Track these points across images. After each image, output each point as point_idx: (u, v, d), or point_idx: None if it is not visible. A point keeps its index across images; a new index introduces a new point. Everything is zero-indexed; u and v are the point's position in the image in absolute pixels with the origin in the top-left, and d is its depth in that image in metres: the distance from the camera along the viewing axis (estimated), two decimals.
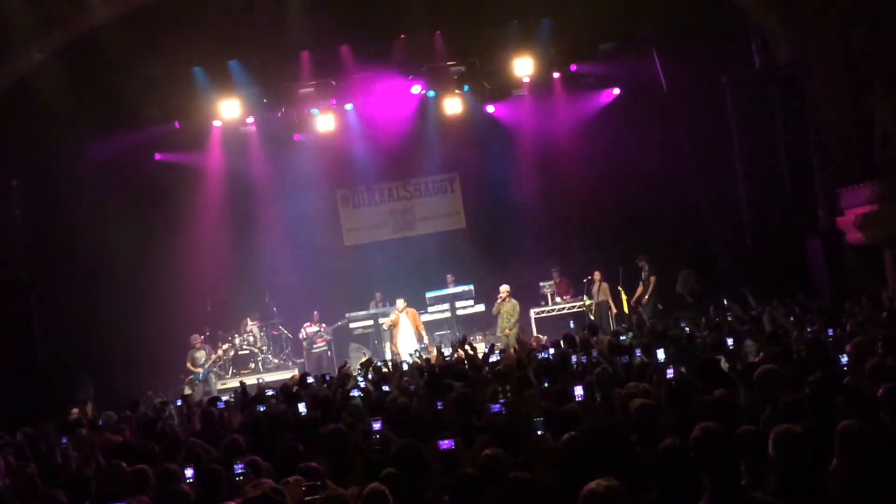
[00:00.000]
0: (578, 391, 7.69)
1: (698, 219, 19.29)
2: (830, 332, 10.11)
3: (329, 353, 19.03)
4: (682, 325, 13.08)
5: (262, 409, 10.35)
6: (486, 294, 18.74)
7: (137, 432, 10.50)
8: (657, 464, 4.85)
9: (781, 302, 14.00)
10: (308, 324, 19.15)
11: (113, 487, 6.98)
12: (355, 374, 12.83)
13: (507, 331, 17.63)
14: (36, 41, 16.21)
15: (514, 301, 17.94)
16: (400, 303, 18.19)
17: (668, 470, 4.74)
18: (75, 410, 14.03)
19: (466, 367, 11.67)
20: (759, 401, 6.30)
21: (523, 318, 18.82)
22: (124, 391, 15.89)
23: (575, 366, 10.19)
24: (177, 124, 19.04)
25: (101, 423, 11.71)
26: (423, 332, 18.26)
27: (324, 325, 19.09)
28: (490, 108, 20.32)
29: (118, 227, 17.92)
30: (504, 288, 18.11)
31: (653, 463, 4.89)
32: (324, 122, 19.50)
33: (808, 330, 10.57)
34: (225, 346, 18.50)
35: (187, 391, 16.66)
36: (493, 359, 12.21)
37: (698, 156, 18.96)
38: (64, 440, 10.88)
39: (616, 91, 20.01)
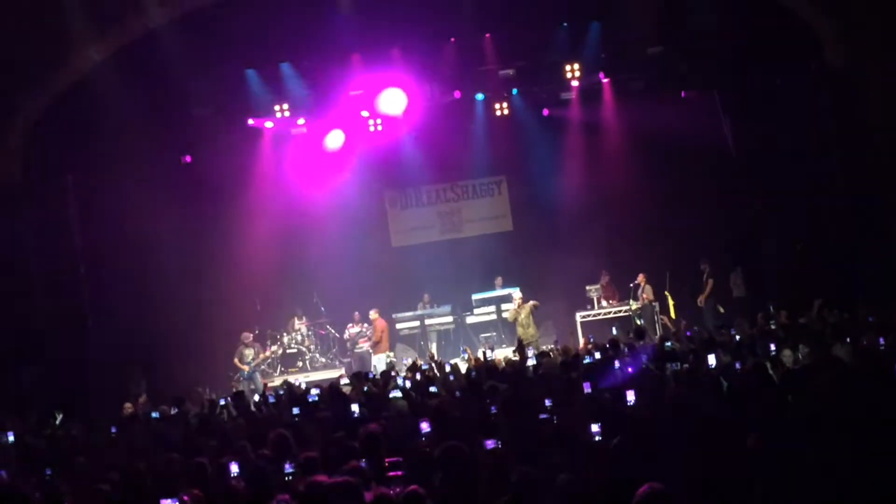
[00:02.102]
0: (630, 396, 7.70)
1: (750, 223, 19.11)
2: (882, 340, 9.97)
3: (372, 353, 19.14)
4: (732, 331, 12.99)
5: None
6: (532, 297, 18.70)
7: (190, 428, 10.67)
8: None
9: (830, 309, 13.82)
10: (350, 324, 19.32)
11: (166, 481, 7.14)
12: (401, 374, 12.96)
13: (532, 335, 17.45)
14: (93, 43, 16.55)
15: (529, 304, 17.89)
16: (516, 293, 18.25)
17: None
18: (128, 405, 14.29)
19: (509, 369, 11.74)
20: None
21: (569, 321, 18.80)
22: (175, 387, 16.14)
23: (619, 370, 10.17)
24: (229, 125, 19.28)
25: (154, 416, 11.93)
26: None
27: (365, 324, 19.23)
28: (538, 112, 20.31)
29: (171, 225, 18.21)
30: (518, 294, 18.09)
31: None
32: (390, 103, 19.57)
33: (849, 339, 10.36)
34: (274, 347, 18.74)
35: (236, 388, 16.89)
36: (531, 363, 12.23)
37: (749, 159, 18.80)
38: (114, 429, 11.17)
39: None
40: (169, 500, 5.90)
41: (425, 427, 7.71)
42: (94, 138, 17.03)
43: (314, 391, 12.44)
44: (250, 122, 19.38)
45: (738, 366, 9.28)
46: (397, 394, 10.42)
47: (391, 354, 18.26)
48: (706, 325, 17.14)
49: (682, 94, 19.31)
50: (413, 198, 21.86)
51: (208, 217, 19.19)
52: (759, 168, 18.69)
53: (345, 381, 12.64)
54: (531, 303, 17.89)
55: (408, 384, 11.40)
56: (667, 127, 19.01)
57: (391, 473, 6.77)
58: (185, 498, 6.14)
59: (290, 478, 6.35)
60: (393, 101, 19.34)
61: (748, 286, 18.80)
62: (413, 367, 13.60)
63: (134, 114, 16.80)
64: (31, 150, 16.93)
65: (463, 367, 13.42)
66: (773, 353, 9.61)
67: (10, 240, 16.39)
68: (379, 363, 17.46)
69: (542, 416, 6.71)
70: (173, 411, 12.24)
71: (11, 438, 10.33)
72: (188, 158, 19.48)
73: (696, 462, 5.11)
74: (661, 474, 4.42)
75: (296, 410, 10.66)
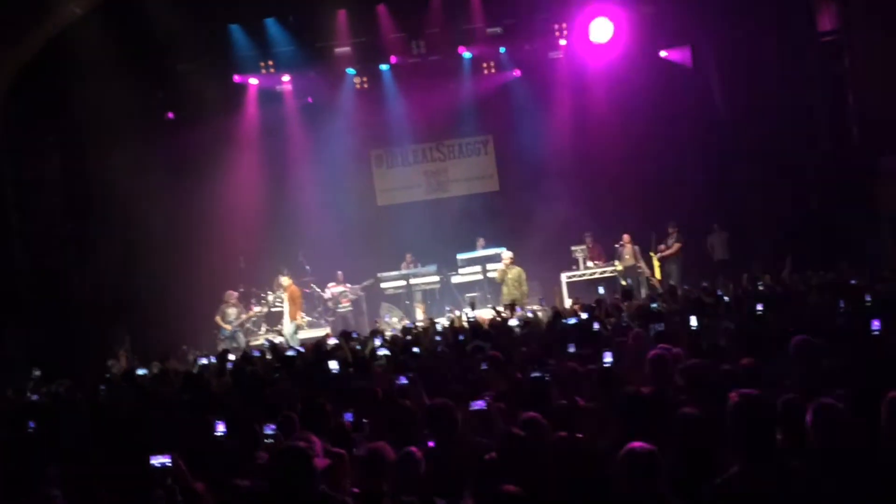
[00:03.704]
0: (607, 357, 7.70)
1: (734, 185, 19.14)
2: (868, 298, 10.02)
3: (352, 312, 19.13)
4: (719, 292, 13.05)
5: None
6: (517, 257, 18.65)
7: (174, 386, 10.67)
8: (681, 430, 4.90)
9: (816, 272, 13.91)
10: (332, 283, 19.28)
11: (154, 439, 7.13)
12: (387, 332, 12.99)
13: (521, 299, 17.36)
14: None
15: (518, 268, 17.84)
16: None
17: (692, 436, 4.79)
18: (112, 361, 14.27)
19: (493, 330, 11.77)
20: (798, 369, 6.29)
21: (554, 282, 18.84)
22: (159, 345, 16.13)
23: (600, 331, 10.19)
24: (214, 81, 19.09)
25: (140, 373, 11.91)
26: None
27: (348, 284, 19.21)
28: (525, 71, 20.22)
29: (154, 182, 18.07)
30: (507, 254, 18.01)
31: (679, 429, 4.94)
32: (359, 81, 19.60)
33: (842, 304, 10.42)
34: (258, 308, 18.70)
35: (221, 347, 16.88)
36: (514, 323, 12.26)
37: (736, 121, 18.79)
38: (102, 388, 11.16)
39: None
40: (159, 457, 5.87)
41: (402, 380, 7.74)
42: (77, 95, 16.81)
43: (299, 348, 12.48)
44: (235, 78, 19.19)
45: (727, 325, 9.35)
46: (383, 352, 10.44)
47: (303, 319, 18.10)
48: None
49: (662, 52, 19.26)
50: (399, 157, 21.78)
51: (192, 175, 19.03)
52: (746, 129, 18.68)
53: (332, 340, 12.62)
54: (519, 269, 17.82)
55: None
56: (654, 85, 19.02)
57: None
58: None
59: (271, 440, 6.32)
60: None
61: (731, 249, 18.84)
62: (405, 331, 13.62)
63: (117, 69, 16.60)
64: (10, 107, 16.67)
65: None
66: (760, 313, 9.65)
67: None
68: (289, 330, 17.42)
69: (534, 374, 6.70)
70: (157, 369, 12.24)
71: None
72: (171, 115, 19.31)
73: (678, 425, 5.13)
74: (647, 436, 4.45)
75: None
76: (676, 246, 18.76)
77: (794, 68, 17.99)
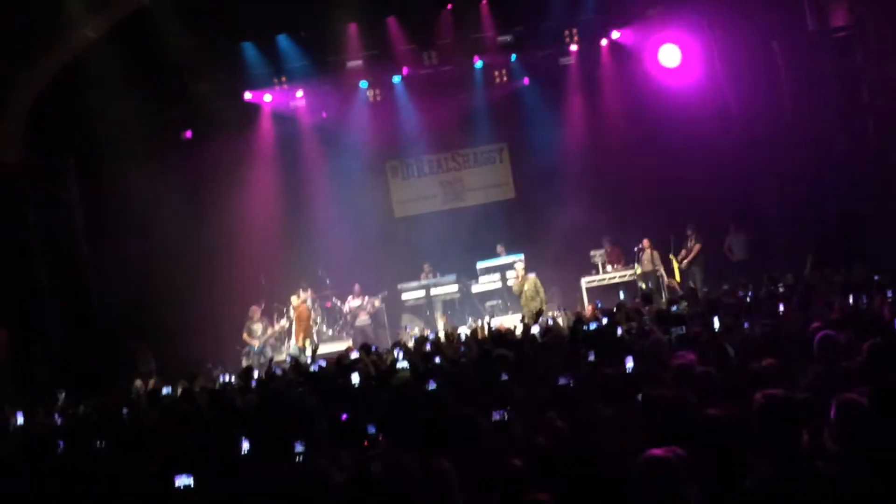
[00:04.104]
0: (629, 363, 7.67)
1: (751, 186, 19.04)
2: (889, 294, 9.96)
3: (371, 325, 19.17)
4: (740, 293, 12.99)
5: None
6: (536, 264, 18.67)
7: (200, 405, 10.70)
8: (706, 433, 4.87)
9: (836, 270, 13.81)
10: (350, 297, 19.34)
11: (179, 458, 7.16)
12: (409, 343, 13.00)
13: (539, 306, 17.32)
14: (88, 21, 16.46)
15: (531, 276, 17.81)
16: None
17: (718, 439, 4.77)
18: (139, 383, 14.34)
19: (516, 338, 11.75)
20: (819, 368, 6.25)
21: (574, 287, 18.82)
22: (183, 363, 16.22)
23: (622, 336, 10.16)
24: (228, 99, 19.23)
25: (165, 392, 11.97)
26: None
27: (366, 297, 19.26)
28: (537, 78, 20.27)
29: (173, 201, 18.20)
30: (520, 265, 18.03)
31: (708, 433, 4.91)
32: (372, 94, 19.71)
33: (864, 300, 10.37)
34: (282, 322, 18.77)
35: (245, 363, 16.95)
36: (535, 331, 12.24)
37: (750, 122, 18.70)
38: (125, 410, 11.20)
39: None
40: (183, 477, 5.90)
41: (432, 384, 7.75)
42: (94, 116, 16.94)
43: (320, 363, 12.49)
44: (248, 95, 19.32)
45: (745, 326, 9.31)
46: (403, 365, 10.46)
47: (308, 342, 18.10)
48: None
49: (679, 52, 19.26)
50: (415, 168, 21.84)
51: (210, 193, 19.17)
52: (760, 129, 18.59)
53: (354, 354, 12.64)
54: (532, 275, 17.82)
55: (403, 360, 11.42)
56: (666, 86, 19.02)
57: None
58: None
59: (301, 457, 6.33)
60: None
61: (750, 249, 18.74)
62: (422, 340, 13.62)
63: (132, 90, 16.74)
64: (30, 130, 16.85)
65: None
66: (782, 313, 9.60)
67: (12, 220, 16.36)
68: (294, 351, 17.45)
69: (562, 380, 6.69)
70: (186, 388, 12.29)
71: (21, 420, 10.37)
72: (188, 134, 19.45)
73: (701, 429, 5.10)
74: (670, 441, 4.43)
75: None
76: (697, 247, 18.70)
77: (806, 66, 17.89)
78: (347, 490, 4.98)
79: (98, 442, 8.79)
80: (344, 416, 6.94)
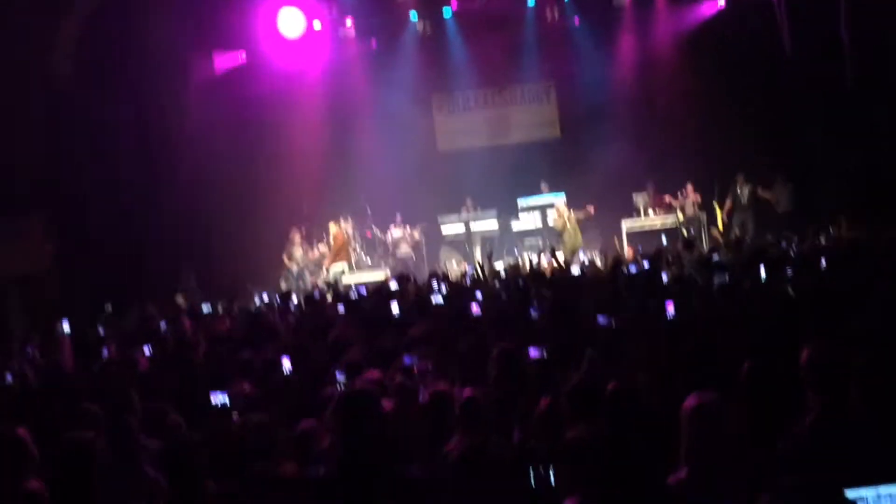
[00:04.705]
0: (670, 308, 7.64)
1: (799, 134, 18.69)
2: None
3: (413, 257, 19.25)
4: (783, 244, 12.85)
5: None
6: (577, 204, 18.55)
7: (241, 323, 10.88)
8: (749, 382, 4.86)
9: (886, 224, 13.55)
10: (392, 226, 19.40)
11: (218, 375, 7.30)
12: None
13: (578, 246, 17.36)
14: None
15: (573, 214, 17.85)
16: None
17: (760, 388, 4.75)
18: (181, 299, 14.58)
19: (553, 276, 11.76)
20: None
21: (614, 230, 18.72)
22: (223, 283, 16.46)
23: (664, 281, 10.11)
24: (277, 27, 19.18)
25: (205, 311, 12.17)
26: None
27: (408, 227, 19.31)
28: (588, 18, 20.00)
29: (223, 126, 18.29)
30: (561, 202, 17.99)
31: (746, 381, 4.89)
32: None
33: None
34: (321, 247, 18.91)
35: (284, 286, 17.14)
36: (575, 270, 12.23)
37: (805, 66, 18.27)
38: (163, 324, 11.43)
39: (721, 3, 19.46)
40: (219, 394, 6.01)
41: (476, 309, 7.81)
42: (146, 38, 16.97)
43: (361, 290, 12.61)
44: (298, 21, 19.26)
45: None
46: (438, 298, 10.52)
47: (344, 267, 18.27)
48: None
49: None
50: (461, 102, 21.67)
51: (259, 118, 19.20)
52: (814, 72, 18.17)
53: (393, 284, 12.73)
54: (587, 210, 17.80)
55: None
56: (720, 29, 18.62)
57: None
58: (243, 389, 6.27)
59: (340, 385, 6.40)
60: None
61: (797, 200, 18.44)
62: (459, 273, 13.69)
63: (186, 10, 16.73)
64: (82, 53, 16.89)
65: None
66: (825, 267, 9.49)
67: (64, 138, 16.52)
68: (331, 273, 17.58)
69: (601, 320, 6.69)
70: (228, 306, 12.49)
71: (67, 328, 10.58)
72: (243, 56, 19.43)
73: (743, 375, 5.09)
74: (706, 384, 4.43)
75: (341, 308, 10.83)
76: (748, 193, 18.37)
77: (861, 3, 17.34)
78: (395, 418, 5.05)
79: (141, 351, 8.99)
80: (408, 360, 6.97)
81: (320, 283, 17.11)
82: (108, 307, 13.33)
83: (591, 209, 17.80)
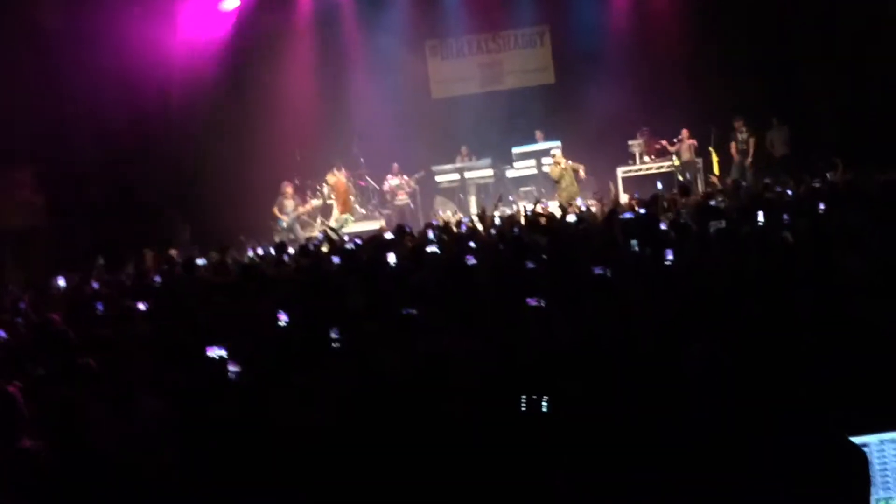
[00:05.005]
0: (669, 255, 7.60)
1: (796, 75, 18.53)
2: None
3: (411, 205, 19.18)
4: (778, 188, 12.79)
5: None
6: (572, 151, 18.43)
7: (234, 275, 10.82)
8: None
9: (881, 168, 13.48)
10: (389, 176, 19.28)
11: (213, 329, 7.25)
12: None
13: (575, 193, 17.29)
14: None
15: (570, 163, 17.70)
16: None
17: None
18: (174, 252, 14.51)
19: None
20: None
21: (609, 176, 18.63)
22: (216, 234, 16.39)
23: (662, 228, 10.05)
24: None
25: (200, 263, 12.11)
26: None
27: (405, 176, 19.20)
28: None
29: (214, 75, 18.07)
30: (557, 151, 17.89)
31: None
32: None
33: None
34: (314, 201, 18.81)
35: (277, 237, 17.07)
36: (570, 219, 12.16)
37: (802, 13, 18.07)
38: (157, 278, 11.37)
39: None
40: (215, 349, 5.95)
41: (470, 259, 7.77)
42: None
43: (356, 240, 12.55)
44: None
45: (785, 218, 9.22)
46: (433, 249, 10.46)
47: (350, 217, 18.23)
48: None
49: None
50: (454, 47, 21.42)
51: (250, 67, 19.00)
52: (808, 16, 17.96)
53: (388, 234, 12.64)
54: (581, 166, 17.68)
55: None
56: None
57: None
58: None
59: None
60: None
61: (793, 144, 18.34)
62: (455, 222, 13.62)
63: None
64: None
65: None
66: (822, 211, 9.45)
67: (53, 91, 16.31)
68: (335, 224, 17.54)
69: (597, 270, 6.65)
70: (216, 259, 12.42)
71: (62, 283, 10.55)
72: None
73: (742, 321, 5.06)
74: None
75: (336, 260, 10.78)
76: (753, 142, 18.26)
77: None
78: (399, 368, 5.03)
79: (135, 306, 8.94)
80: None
81: (315, 234, 17.04)
82: (101, 260, 13.25)
83: (581, 172, 17.63)
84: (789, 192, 12.28)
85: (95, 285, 11.46)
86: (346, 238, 13.72)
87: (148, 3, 17.07)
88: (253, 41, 19.04)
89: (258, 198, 18.38)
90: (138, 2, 16.95)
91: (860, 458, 2.31)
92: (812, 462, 2.22)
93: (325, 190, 19.05)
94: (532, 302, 6.33)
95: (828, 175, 14.49)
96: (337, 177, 18.34)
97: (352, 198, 18.93)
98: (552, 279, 7.52)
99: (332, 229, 14.72)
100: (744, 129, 18.29)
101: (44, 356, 6.91)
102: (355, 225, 18.15)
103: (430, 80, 21.33)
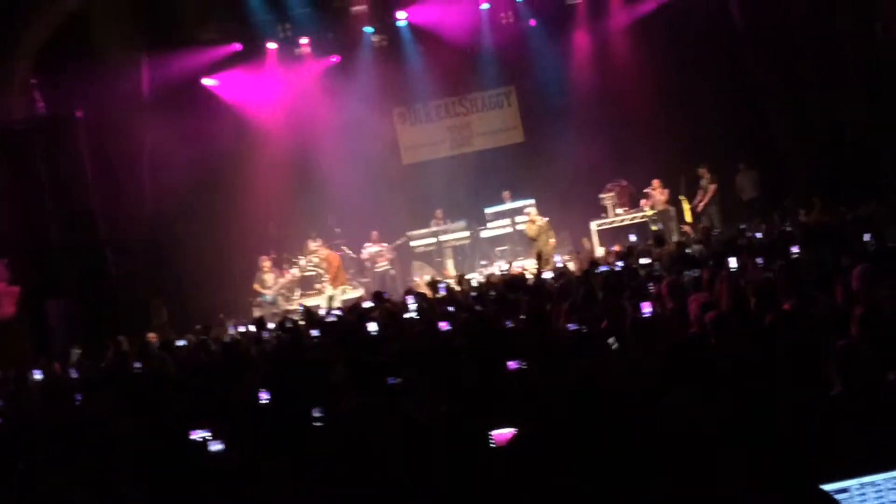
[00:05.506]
0: (647, 308, 7.65)
1: (761, 118, 18.83)
2: None
3: (392, 271, 19.20)
4: (748, 233, 12.92)
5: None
6: (545, 207, 18.56)
7: (214, 356, 10.75)
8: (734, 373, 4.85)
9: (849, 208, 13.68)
10: (368, 244, 19.31)
11: (194, 412, 7.19)
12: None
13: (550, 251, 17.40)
14: None
15: (545, 220, 17.87)
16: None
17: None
18: (152, 335, 14.42)
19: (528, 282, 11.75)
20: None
21: (584, 231, 18.75)
22: (194, 316, 16.30)
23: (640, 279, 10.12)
24: (239, 46, 19.14)
25: (179, 344, 12.03)
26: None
27: (384, 244, 19.24)
28: (543, 18, 20.11)
29: (180, 152, 18.12)
30: (532, 209, 18.07)
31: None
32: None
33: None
34: (293, 271, 18.81)
35: (256, 313, 17.01)
36: (548, 276, 12.23)
37: (763, 53, 18.41)
38: (138, 365, 11.27)
39: None
40: (199, 432, 5.90)
41: (444, 326, 7.78)
42: (99, 70, 16.82)
43: (335, 312, 12.53)
44: (253, 43, 19.22)
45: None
46: (410, 315, 10.47)
47: (346, 288, 18.26)
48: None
49: None
50: (422, 113, 21.63)
51: (217, 143, 19.06)
52: (773, 65, 18.31)
53: (367, 303, 12.64)
54: (545, 219, 17.85)
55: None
56: (672, 14, 18.74)
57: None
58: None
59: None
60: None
61: (762, 187, 18.55)
62: (432, 284, 13.64)
63: (138, 42, 16.62)
64: (36, 85, 16.72)
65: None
66: (796, 254, 9.54)
67: (22, 177, 16.31)
68: (335, 298, 17.55)
69: (571, 326, 6.69)
70: (201, 339, 12.36)
71: (39, 376, 10.44)
72: (195, 84, 19.34)
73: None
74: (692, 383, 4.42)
75: (315, 333, 10.75)
76: (713, 188, 18.47)
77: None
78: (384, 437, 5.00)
79: (115, 395, 8.84)
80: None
81: (294, 307, 17.01)
82: (75, 352, 13.15)
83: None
84: (758, 235, 12.39)
85: (75, 374, 11.36)
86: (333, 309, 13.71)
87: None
88: (219, 116, 19.16)
89: (234, 275, 18.36)
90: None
91: None
92: None
93: (303, 262, 19.06)
94: (513, 365, 6.33)
95: (800, 214, 14.64)
96: (328, 250, 18.42)
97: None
98: (532, 339, 7.55)
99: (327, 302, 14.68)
100: (706, 175, 18.49)
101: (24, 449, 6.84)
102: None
103: (401, 147, 21.51)
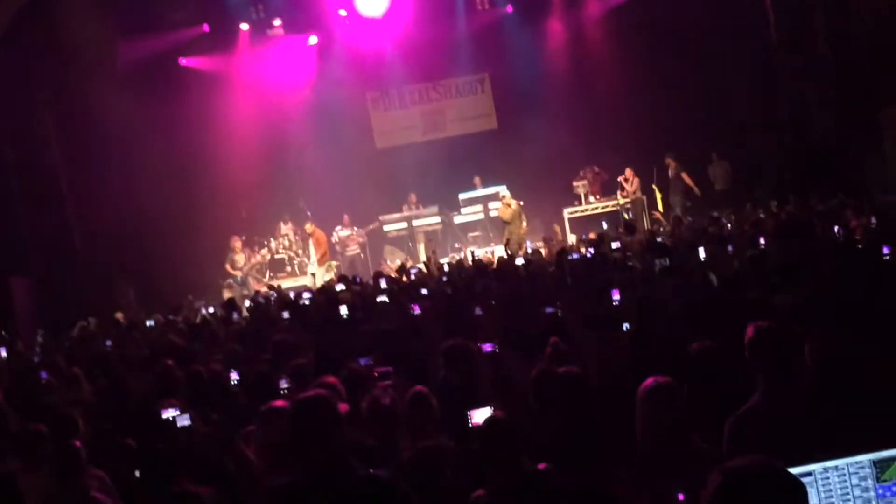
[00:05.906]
0: (616, 295, 7.69)
1: (734, 110, 18.95)
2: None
3: (362, 255, 19.16)
4: (723, 221, 13.01)
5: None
6: (518, 195, 18.59)
7: (183, 335, 10.68)
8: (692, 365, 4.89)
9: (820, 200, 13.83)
10: (339, 227, 19.25)
11: (165, 390, 7.14)
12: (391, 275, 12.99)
13: (523, 236, 17.49)
14: None
15: (518, 204, 17.95)
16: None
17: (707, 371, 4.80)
18: (119, 314, 14.31)
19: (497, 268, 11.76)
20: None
21: (557, 218, 18.82)
22: (162, 296, 16.19)
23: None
24: (206, 27, 18.93)
25: (149, 324, 11.95)
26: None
27: (355, 228, 19.19)
28: (518, 5, 20.11)
29: (151, 133, 17.95)
30: (506, 192, 18.12)
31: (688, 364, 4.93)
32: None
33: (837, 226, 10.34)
34: (263, 252, 18.73)
35: (226, 294, 16.92)
36: (519, 262, 12.24)
37: (733, 43, 18.52)
38: (108, 342, 11.19)
39: None
40: (170, 410, 5.87)
41: (416, 309, 7.79)
42: (69, 50, 16.58)
43: (306, 294, 12.48)
44: (225, 24, 19.06)
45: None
46: (382, 298, 10.45)
47: (333, 264, 18.28)
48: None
49: None
50: (396, 98, 21.57)
51: (188, 124, 18.88)
52: (743, 54, 18.40)
53: (340, 286, 12.60)
54: (519, 203, 17.91)
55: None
56: (647, 3, 18.80)
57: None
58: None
59: (286, 391, 6.29)
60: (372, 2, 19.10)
61: (734, 178, 18.68)
62: (401, 269, 13.62)
63: (108, 21, 16.40)
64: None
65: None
66: (763, 245, 9.63)
67: None
68: (321, 275, 17.53)
69: (548, 309, 6.71)
70: (169, 318, 12.29)
71: (4, 354, 10.32)
72: (166, 65, 19.14)
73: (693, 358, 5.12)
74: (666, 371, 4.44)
75: (286, 314, 10.71)
76: (684, 176, 18.52)
77: None
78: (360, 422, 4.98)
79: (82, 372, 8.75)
80: (365, 362, 6.84)
81: (263, 288, 16.93)
82: (40, 335, 13.02)
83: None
84: (729, 226, 12.49)
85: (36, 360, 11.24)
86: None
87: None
88: (191, 97, 18.98)
89: (204, 256, 18.22)
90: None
91: (796, 489, 2.34)
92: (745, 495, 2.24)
93: (273, 244, 18.98)
94: (487, 347, 6.36)
95: (772, 206, 14.74)
96: (314, 225, 18.36)
97: (295, 253, 18.92)
98: (504, 323, 7.58)
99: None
100: (672, 164, 18.58)
101: None
102: (300, 279, 18.10)
103: (374, 131, 21.44)
